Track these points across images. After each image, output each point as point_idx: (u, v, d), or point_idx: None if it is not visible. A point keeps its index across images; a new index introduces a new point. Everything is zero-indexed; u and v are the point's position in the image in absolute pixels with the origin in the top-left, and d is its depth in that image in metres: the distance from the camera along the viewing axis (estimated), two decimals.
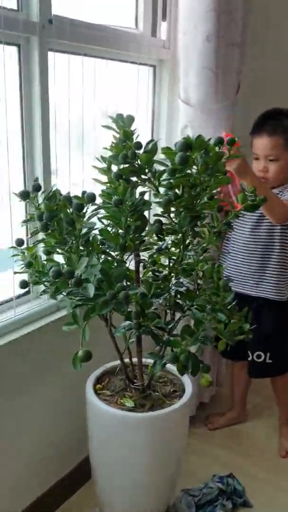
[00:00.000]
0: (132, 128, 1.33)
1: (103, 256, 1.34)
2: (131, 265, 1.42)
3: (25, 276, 1.36)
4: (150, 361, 1.41)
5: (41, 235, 1.32)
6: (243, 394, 2.29)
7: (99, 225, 1.35)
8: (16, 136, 1.49)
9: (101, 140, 1.66)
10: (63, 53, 1.53)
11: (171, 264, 1.41)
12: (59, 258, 1.33)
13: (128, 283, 1.37)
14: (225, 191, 1.72)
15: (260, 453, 2.12)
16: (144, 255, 1.45)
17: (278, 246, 1.94)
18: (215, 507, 1.76)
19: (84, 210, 1.26)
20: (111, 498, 1.59)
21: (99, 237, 1.34)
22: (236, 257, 2.01)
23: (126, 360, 1.54)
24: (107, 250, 1.36)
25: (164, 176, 1.30)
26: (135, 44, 1.78)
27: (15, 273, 1.35)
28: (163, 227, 1.35)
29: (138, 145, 1.29)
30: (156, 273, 1.44)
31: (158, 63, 1.98)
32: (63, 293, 1.25)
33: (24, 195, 1.28)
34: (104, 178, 1.37)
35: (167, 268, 1.42)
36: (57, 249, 1.29)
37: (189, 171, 1.27)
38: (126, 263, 1.37)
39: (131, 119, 1.34)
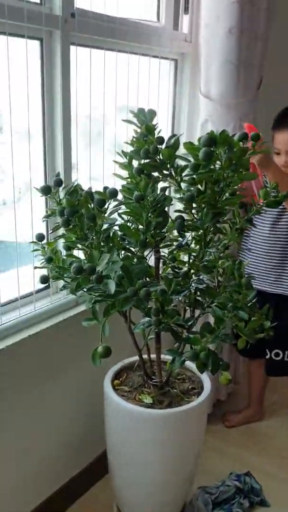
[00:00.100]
0: (154, 122, 1.31)
1: (123, 252, 1.34)
2: (150, 261, 1.41)
3: (45, 271, 1.36)
4: (168, 357, 1.40)
5: (61, 230, 1.32)
6: (260, 392, 2.27)
7: (118, 220, 1.34)
8: (38, 131, 1.48)
9: (121, 135, 1.65)
10: (85, 47, 1.51)
11: (191, 261, 1.40)
12: (78, 254, 1.33)
13: (148, 280, 1.37)
14: (248, 186, 1.70)
15: (277, 451, 2.10)
16: (164, 251, 1.44)
17: None
18: (232, 505, 1.74)
19: (106, 206, 1.25)
20: (128, 493, 1.59)
21: (119, 233, 1.34)
22: (256, 254, 1.99)
23: (145, 356, 1.53)
24: (127, 246, 1.35)
25: (186, 171, 1.28)
26: (157, 38, 1.76)
27: (35, 268, 1.35)
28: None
29: (160, 140, 1.28)
30: (176, 270, 1.43)
31: (180, 56, 1.96)
32: (84, 289, 1.25)
33: (45, 190, 1.28)
34: (125, 173, 1.36)
35: (187, 265, 1.41)
36: (78, 245, 1.29)
37: (212, 167, 1.26)
38: (146, 259, 1.36)
39: (152, 113, 1.33)
